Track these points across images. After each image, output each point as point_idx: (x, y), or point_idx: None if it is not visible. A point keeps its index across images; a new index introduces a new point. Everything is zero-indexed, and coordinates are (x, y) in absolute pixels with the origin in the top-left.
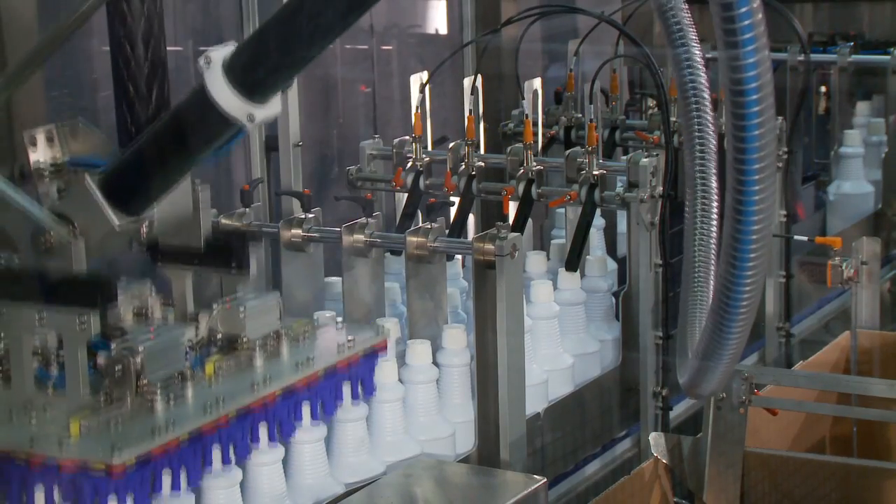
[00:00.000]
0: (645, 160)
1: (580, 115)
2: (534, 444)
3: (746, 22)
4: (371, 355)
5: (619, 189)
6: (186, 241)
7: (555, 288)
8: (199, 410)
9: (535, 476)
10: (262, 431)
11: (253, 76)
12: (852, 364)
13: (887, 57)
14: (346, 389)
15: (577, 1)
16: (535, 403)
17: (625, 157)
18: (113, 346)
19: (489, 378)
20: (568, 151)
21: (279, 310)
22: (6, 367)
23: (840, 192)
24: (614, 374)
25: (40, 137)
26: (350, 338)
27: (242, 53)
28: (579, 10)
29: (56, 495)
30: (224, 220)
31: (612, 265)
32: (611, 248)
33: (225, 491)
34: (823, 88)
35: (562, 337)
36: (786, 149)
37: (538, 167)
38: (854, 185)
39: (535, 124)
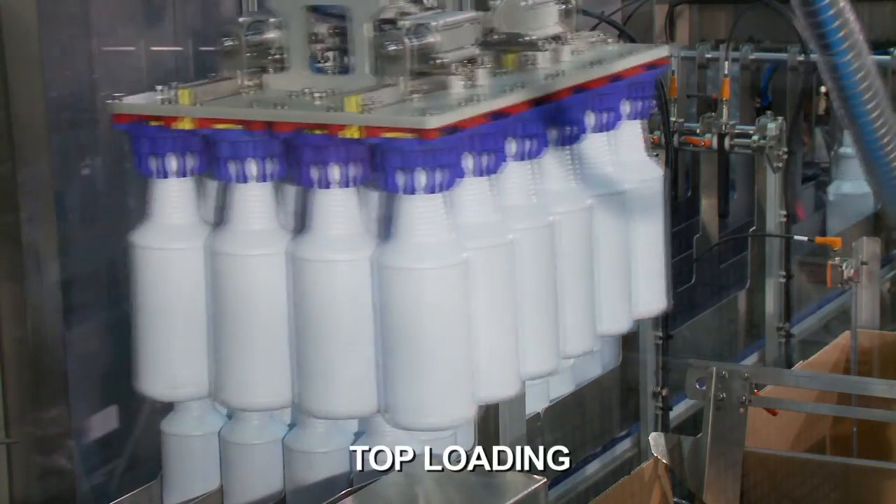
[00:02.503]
0: None
1: None
2: (534, 444)
3: (834, 24)
4: (653, 69)
5: None
6: None
7: None
8: (497, 91)
9: (536, 476)
10: (553, 131)
11: None
12: (852, 364)
13: (887, 57)
14: (626, 107)
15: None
16: (535, 403)
17: None
18: (402, 23)
19: None
20: None
21: (558, 13)
22: (283, 55)
23: (840, 192)
24: (614, 374)
25: None
26: (632, 51)
27: None
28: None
29: (354, 171)
30: None
31: None
32: None
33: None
34: (823, 88)
35: None
36: (786, 149)
37: None
38: (854, 185)
39: None
